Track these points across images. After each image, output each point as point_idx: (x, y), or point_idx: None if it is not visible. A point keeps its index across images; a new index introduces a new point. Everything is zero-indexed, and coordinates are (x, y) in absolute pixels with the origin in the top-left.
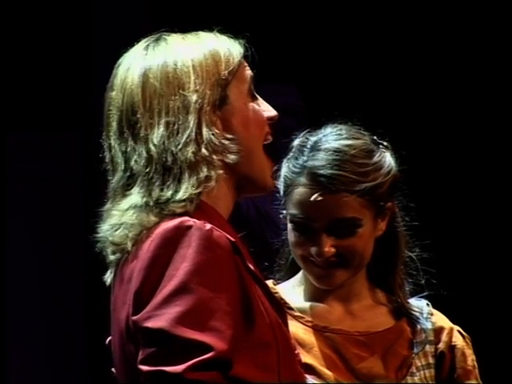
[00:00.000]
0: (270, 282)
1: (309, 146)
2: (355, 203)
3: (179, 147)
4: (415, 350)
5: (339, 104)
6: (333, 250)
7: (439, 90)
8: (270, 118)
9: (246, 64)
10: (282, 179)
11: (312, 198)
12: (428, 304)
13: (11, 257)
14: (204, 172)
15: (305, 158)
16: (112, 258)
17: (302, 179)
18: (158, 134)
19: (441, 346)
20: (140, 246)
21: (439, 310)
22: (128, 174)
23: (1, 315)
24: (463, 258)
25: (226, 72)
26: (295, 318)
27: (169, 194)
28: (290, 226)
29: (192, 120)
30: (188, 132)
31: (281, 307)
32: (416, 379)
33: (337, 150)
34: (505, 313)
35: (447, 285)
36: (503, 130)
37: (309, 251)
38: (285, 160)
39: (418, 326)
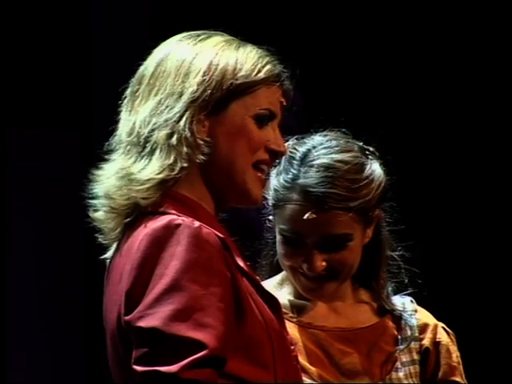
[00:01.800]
0: None
1: (298, 159)
2: (347, 219)
3: (156, 126)
4: (400, 346)
5: (338, 104)
6: (323, 264)
7: (436, 91)
8: (272, 149)
9: (277, 90)
10: (271, 191)
11: (305, 217)
12: (412, 301)
13: (11, 255)
14: (170, 160)
15: (296, 173)
16: (110, 240)
17: (294, 196)
18: (144, 109)
19: (425, 342)
20: (130, 242)
21: (423, 307)
22: (117, 138)
23: (1, 315)
24: (447, 256)
25: (238, 83)
26: None
27: (137, 168)
28: (279, 238)
29: (179, 107)
30: (169, 116)
31: (274, 302)
32: (401, 375)
33: (329, 167)
34: (488, 309)
35: (430, 283)
36: (492, 131)
37: (299, 264)
38: (274, 171)
39: (403, 323)
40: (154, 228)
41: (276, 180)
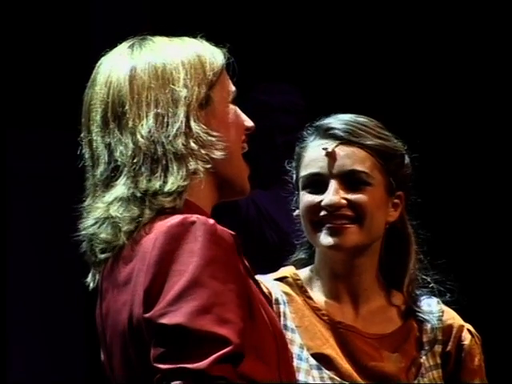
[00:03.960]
0: (293, 269)
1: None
2: (368, 160)
3: (169, 139)
4: (423, 351)
5: (340, 103)
6: (343, 201)
7: (438, 91)
8: (248, 128)
9: (227, 74)
10: (293, 162)
11: (325, 147)
12: (439, 302)
13: (11, 255)
14: (192, 165)
15: (315, 124)
16: (101, 256)
17: (315, 138)
18: (146, 126)
19: (449, 345)
20: (137, 245)
21: (453, 308)
22: (112, 165)
23: (1, 314)
24: (474, 260)
25: (211, 73)
26: (312, 308)
27: (157, 185)
28: (302, 193)
29: (182, 113)
30: (178, 124)
31: (270, 301)
32: (425, 380)
33: (350, 116)
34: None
35: (460, 286)
36: (501, 130)
37: (320, 210)
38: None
39: (427, 325)
40: (169, 225)
41: (296, 148)
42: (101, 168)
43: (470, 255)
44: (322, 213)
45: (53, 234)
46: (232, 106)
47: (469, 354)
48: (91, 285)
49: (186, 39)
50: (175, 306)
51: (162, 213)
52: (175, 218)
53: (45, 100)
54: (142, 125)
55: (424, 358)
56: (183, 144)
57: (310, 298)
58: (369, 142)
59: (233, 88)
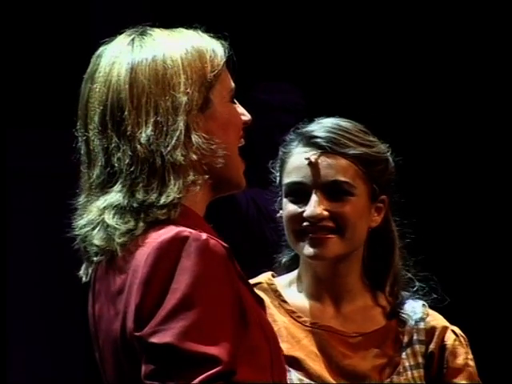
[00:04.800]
0: (269, 274)
1: (303, 125)
2: (350, 169)
3: (168, 149)
4: (403, 350)
5: (340, 102)
6: (326, 213)
7: (436, 92)
8: (245, 122)
9: (227, 72)
10: (277, 165)
11: (307, 158)
12: (424, 305)
13: (11, 255)
14: (190, 176)
15: (300, 129)
16: (95, 258)
17: (298, 145)
18: (145, 134)
19: (432, 345)
20: (131, 255)
21: (438, 312)
22: (109, 170)
23: (1, 314)
24: (459, 261)
25: (212, 75)
26: (287, 311)
27: (153, 197)
28: (285, 200)
29: (182, 122)
30: (177, 134)
31: (262, 302)
32: (402, 379)
33: (334, 122)
34: (502, 312)
35: (444, 287)
36: (493, 129)
37: (302, 221)
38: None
39: (408, 326)
40: (161, 241)
41: (280, 150)
42: (97, 170)
43: (454, 254)
44: (305, 223)
45: (53, 233)
46: (230, 105)
47: (451, 354)
48: (84, 278)
49: (186, 33)
50: (166, 325)
51: (156, 223)
52: (168, 232)
53: (45, 100)
54: (141, 132)
55: (404, 357)
56: (183, 155)
57: (284, 301)
58: (352, 151)
59: (232, 85)
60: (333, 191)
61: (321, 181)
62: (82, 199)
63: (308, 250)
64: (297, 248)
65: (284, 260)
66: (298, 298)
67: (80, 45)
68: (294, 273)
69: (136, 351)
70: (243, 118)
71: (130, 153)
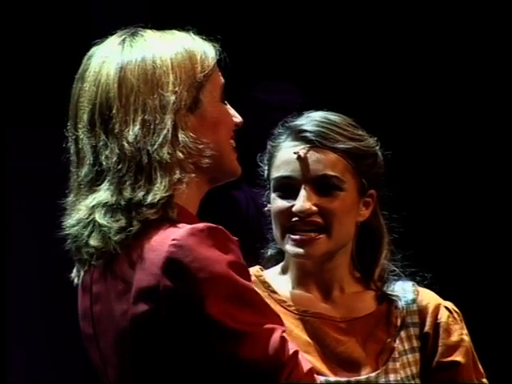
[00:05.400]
0: (257, 267)
1: (291, 119)
2: (339, 164)
3: (155, 147)
4: (396, 334)
5: (338, 102)
6: (314, 208)
7: (426, 88)
8: (236, 124)
9: (218, 69)
10: (265, 159)
11: (296, 151)
12: (414, 284)
13: (11, 255)
14: (177, 174)
15: (289, 122)
16: (92, 261)
17: (286, 139)
18: (133, 132)
19: (426, 327)
20: (137, 254)
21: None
22: (97, 168)
23: (1, 313)
24: (450, 254)
25: (202, 75)
26: (277, 301)
27: (140, 195)
28: (273, 195)
29: (169, 121)
30: (164, 132)
31: None
32: (398, 365)
33: (322, 116)
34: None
35: (432, 276)
36: (482, 122)
37: (291, 216)
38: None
39: (400, 308)
40: (180, 237)
41: (268, 145)
42: (85, 169)
43: (442, 245)
44: (294, 219)
45: (53, 233)
46: (221, 105)
47: (446, 331)
48: (75, 280)
49: (177, 35)
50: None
51: (154, 222)
52: (181, 228)
53: (45, 100)
54: (129, 130)
55: (398, 341)
56: (169, 153)
57: (274, 291)
58: (341, 146)
59: (221, 81)
60: (322, 186)
61: (310, 175)
62: (70, 198)
63: (294, 249)
64: (282, 245)
65: (271, 253)
66: (287, 288)
67: (80, 44)
68: (282, 264)
69: (149, 350)
70: (234, 119)
71: (117, 151)
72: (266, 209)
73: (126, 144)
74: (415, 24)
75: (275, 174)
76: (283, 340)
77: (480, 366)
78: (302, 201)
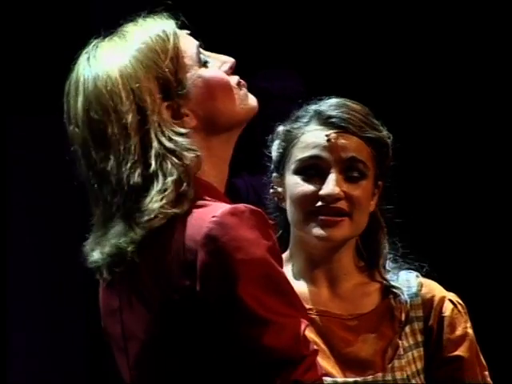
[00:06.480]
0: None
1: (310, 105)
2: (365, 151)
3: (126, 174)
4: (401, 330)
5: (340, 91)
6: (342, 194)
7: (436, 80)
8: (230, 68)
9: (184, 34)
10: (277, 144)
11: (327, 134)
12: (418, 276)
13: (11, 245)
14: (162, 186)
15: (311, 107)
16: (109, 276)
17: (310, 123)
18: (111, 167)
19: (430, 320)
20: (180, 232)
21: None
22: (107, 205)
23: (1, 313)
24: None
25: (169, 61)
26: None
27: (144, 218)
28: (295, 178)
29: (133, 144)
30: (131, 157)
31: None
32: (403, 362)
33: (345, 103)
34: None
35: (430, 265)
36: (482, 117)
37: (315, 201)
38: (279, 129)
39: (404, 302)
40: (220, 214)
41: (282, 130)
42: (101, 208)
43: (442, 236)
44: (319, 203)
45: (53, 220)
46: (204, 69)
47: (450, 325)
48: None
49: (129, 34)
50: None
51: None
52: (220, 208)
53: (45, 87)
54: (109, 167)
55: (403, 337)
56: (142, 175)
57: None
58: (367, 134)
59: (193, 44)
60: (349, 170)
61: (340, 157)
62: (95, 231)
63: (319, 231)
64: (304, 228)
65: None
66: (291, 282)
67: (79, 33)
68: (285, 255)
69: (176, 321)
70: (224, 67)
71: (110, 187)
72: (271, 191)
73: (112, 179)
74: (419, 13)
75: (300, 155)
76: (306, 336)
77: (482, 359)
78: (332, 184)
